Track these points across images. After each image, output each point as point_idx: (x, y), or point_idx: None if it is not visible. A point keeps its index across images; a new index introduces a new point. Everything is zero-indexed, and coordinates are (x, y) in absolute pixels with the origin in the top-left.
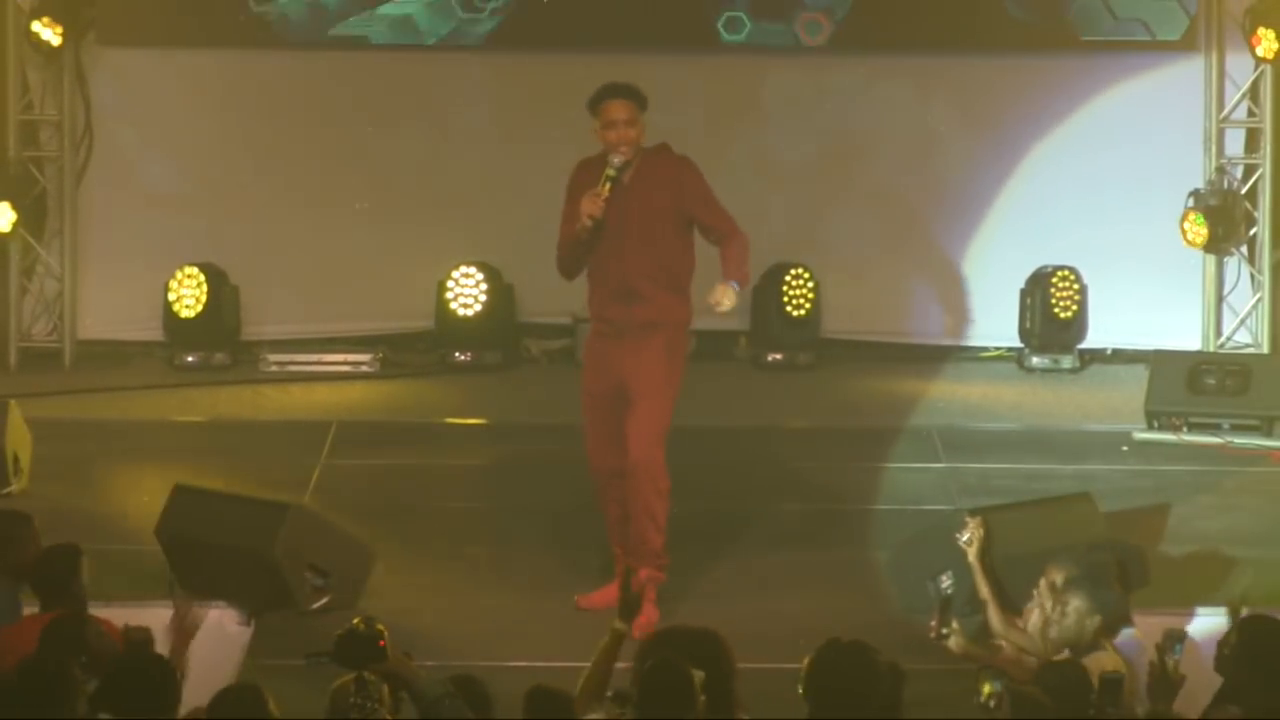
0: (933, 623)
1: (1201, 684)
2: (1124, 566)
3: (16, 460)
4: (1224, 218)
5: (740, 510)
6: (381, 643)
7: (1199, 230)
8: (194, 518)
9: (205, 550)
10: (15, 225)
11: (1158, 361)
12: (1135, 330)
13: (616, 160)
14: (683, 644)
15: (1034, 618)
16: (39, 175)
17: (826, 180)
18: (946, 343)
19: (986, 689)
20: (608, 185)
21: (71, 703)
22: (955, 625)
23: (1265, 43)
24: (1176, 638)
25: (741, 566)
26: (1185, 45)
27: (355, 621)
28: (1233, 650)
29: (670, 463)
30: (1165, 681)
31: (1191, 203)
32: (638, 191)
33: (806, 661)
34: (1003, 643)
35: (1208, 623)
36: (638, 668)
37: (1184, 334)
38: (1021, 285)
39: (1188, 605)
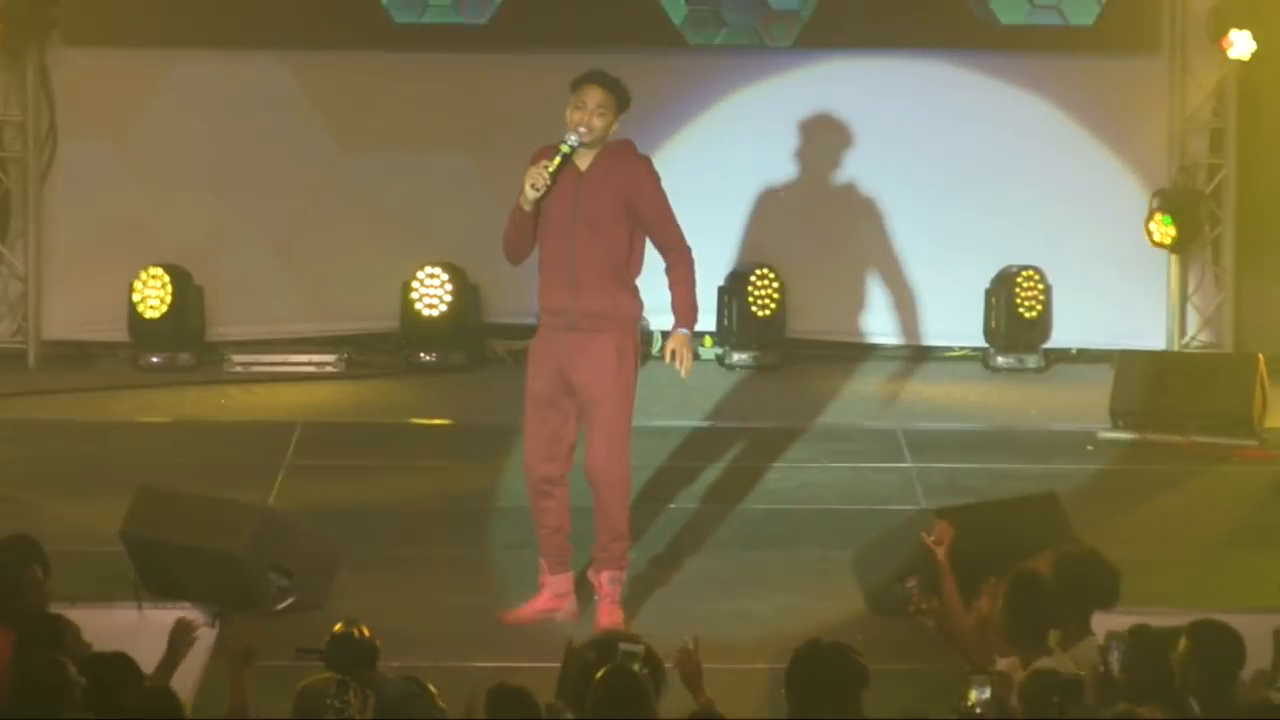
0: (915, 596)
1: None
2: (1092, 578)
3: None
4: (1188, 218)
5: (706, 510)
6: (375, 652)
7: (1166, 230)
8: (159, 519)
9: (170, 551)
10: None
11: (1122, 361)
12: (1100, 330)
13: (572, 139)
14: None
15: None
16: (2, 176)
17: (792, 180)
18: (912, 343)
19: (972, 696)
20: (558, 159)
21: (70, 707)
22: (936, 604)
23: (1240, 43)
24: (1120, 640)
25: (708, 567)
26: (1149, 46)
27: (348, 626)
28: (1182, 655)
29: (636, 463)
30: (1109, 684)
31: (1156, 203)
32: (592, 183)
33: (789, 662)
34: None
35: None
36: (570, 672)
37: (1148, 334)
38: (986, 285)
39: (1151, 605)
